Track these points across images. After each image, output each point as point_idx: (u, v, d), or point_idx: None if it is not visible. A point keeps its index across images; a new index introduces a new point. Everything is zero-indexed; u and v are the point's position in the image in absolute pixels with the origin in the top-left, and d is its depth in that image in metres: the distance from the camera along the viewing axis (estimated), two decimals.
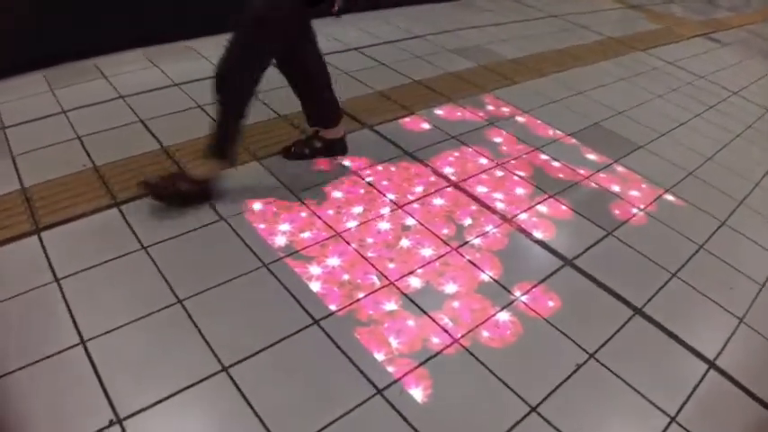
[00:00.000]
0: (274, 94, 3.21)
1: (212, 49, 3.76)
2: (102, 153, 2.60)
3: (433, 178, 2.75)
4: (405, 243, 2.32)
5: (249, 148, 2.76)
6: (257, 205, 2.40)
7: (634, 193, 2.91)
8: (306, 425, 1.61)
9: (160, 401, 1.61)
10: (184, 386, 1.66)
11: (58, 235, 2.14)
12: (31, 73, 3.25)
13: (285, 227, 2.30)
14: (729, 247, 2.65)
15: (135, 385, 1.65)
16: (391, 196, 2.57)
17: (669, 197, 2.93)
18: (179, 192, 2.30)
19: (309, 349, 1.83)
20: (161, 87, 3.24)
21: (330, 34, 4.21)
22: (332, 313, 1.96)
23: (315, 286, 2.06)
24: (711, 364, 2.03)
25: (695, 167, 3.24)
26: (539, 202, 2.70)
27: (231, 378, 1.70)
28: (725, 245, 2.65)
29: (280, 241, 2.23)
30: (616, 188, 2.91)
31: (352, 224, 2.37)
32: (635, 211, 2.77)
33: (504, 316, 2.06)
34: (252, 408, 1.62)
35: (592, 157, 3.16)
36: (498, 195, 2.70)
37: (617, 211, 2.74)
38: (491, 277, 2.22)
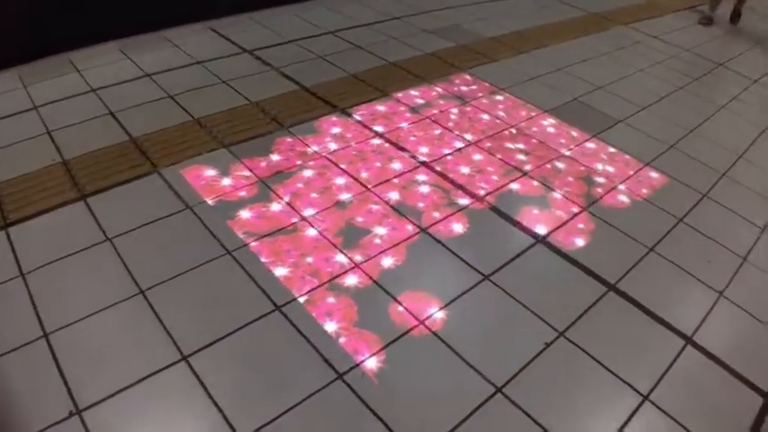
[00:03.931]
0: (243, 81, 3.19)
1: (185, 37, 3.74)
2: (71, 147, 2.58)
3: (406, 157, 2.71)
4: (380, 230, 2.29)
5: (217, 135, 2.73)
6: (224, 193, 2.38)
7: (611, 167, 2.86)
8: (265, 411, 1.59)
9: (119, 392, 1.60)
10: (143, 376, 1.64)
11: (25, 230, 2.13)
12: (5, 71, 3.22)
13: (248, 213, 2.28)
14: (710, 219, 2.60)
15: (94, 376, 1.64)
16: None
17: (648, 170, 2.88)
18: None
19: (270, 336, 1.81)
20: (133, 79, 3.20)
21: (307, 19, 4.16)
22: (294, 299, 1.94)
23: (279, 272, 2.03)
24: (689, 340, 1.99)
25: (677, 140, 3.19)
26: (512, 180, 2.66)
27: (191, 367, 1.68)
28: (705, 218, 2.60)
29: (244, 227, 2.21)
30: (592, 163, 2.87)
31: (310, 212, 2.34)
32: (611, 185, 2.72)
33: (470, 295, 2.03)
34: (210, 396, 1.61)
35: (569, 132, 3.11)
36: (473, 174, 2.66)
37: (593, 187, 2.69)
38: (457, 255, 2.19)
